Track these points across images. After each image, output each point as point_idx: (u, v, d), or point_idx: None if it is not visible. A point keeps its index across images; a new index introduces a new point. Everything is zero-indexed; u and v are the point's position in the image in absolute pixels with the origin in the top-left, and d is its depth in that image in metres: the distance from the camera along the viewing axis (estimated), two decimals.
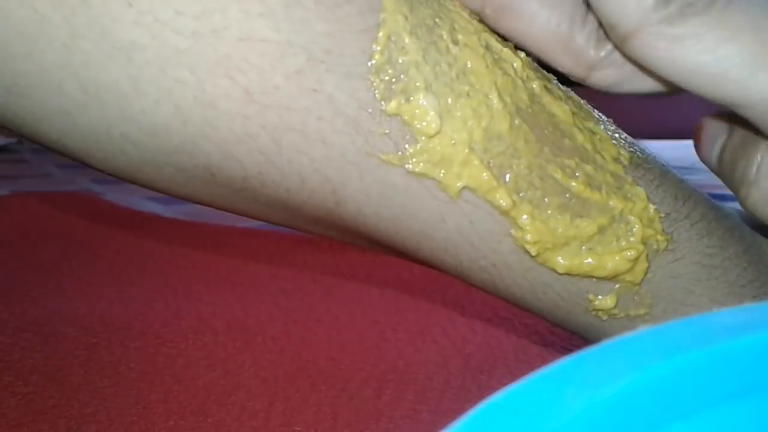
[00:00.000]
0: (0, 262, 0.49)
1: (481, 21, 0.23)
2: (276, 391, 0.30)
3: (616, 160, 0.23)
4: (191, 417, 0.28)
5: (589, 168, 0.23)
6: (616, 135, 0.24)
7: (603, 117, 0.25)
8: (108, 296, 0.41)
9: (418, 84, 0.21)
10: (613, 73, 0.22)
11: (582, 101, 0.24)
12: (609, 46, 0.22)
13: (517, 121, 0.22)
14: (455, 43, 0.22)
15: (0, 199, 0.70)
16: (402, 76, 0.21)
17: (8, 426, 0.27)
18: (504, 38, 0.23)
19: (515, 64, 0.22)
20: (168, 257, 0.50)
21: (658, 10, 0.19)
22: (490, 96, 0.22)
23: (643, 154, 0.24)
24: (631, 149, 0.24)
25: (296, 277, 0.45)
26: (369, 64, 0.21)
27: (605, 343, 0.10)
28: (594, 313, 0.24)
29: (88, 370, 0.32)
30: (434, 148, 0.21)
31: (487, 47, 0.22)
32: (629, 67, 0.22)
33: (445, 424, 0.09)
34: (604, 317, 0.24)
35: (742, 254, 0.25)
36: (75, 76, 0.21)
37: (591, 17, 0.22)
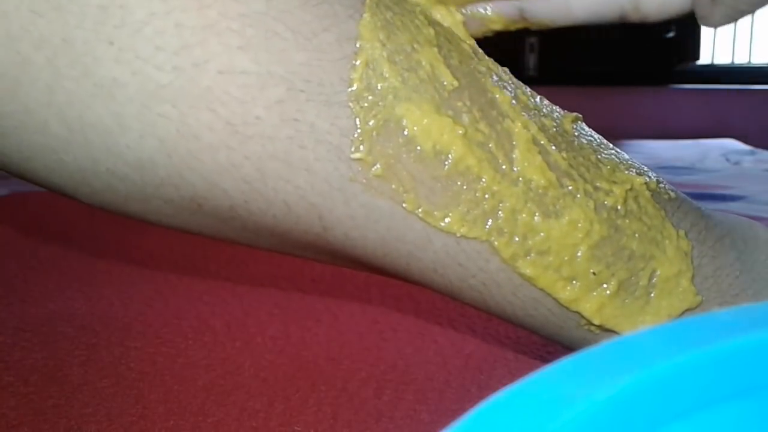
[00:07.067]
0: (0, 262, 0.49)
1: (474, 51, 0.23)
2: (276, 391, 0.30)
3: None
4: (191, 417, 0.28)
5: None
6: (601, 147, 0.24)
7: (586, 129, 0.25)
8: (108, 296, 0.41)
9: (397, 110, 0.21)
10: None
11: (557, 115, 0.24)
12: None
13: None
14: (433, 67, 0.22)
15: (0, 199, 0.70)
16: (381, 103, 0.21)
17: (8, 426, 0.27)
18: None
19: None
20: (168, 257, 0.50)
21: None
22: None
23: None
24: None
25: (296, 277, 0.45)
26: (348, 91, 0.21)
27: (605, 343, 0.10)
28: (586, 327, 0.24)
29: (88, 370, 0.32)
30: None
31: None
32: None
33: (445, 424, 0.09)
34: (596, 331, 0.24)
35: (734, 262, 0.25)
36: (59, 115, 0.21)
37: None
